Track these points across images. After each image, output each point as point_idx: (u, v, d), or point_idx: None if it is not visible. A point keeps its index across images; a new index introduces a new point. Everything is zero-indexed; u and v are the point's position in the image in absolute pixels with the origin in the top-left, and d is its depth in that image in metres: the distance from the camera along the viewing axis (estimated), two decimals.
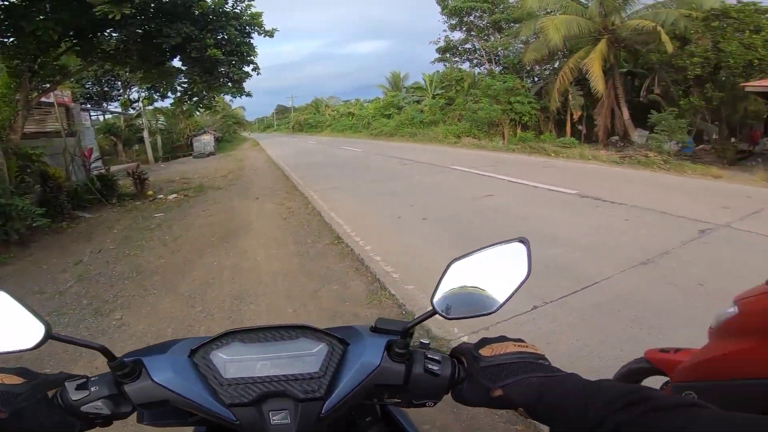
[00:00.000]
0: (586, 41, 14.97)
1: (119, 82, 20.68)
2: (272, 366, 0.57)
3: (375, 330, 0.62)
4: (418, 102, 26.45)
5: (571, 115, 16.74)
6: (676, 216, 4.95)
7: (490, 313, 0.59)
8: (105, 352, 0.54)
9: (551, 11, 15.93)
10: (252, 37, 8.09)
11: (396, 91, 30.80)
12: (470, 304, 0.60)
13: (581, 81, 15.51)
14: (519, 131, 17.33)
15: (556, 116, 17.40)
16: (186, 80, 8.36)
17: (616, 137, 15.24)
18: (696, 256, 3.77)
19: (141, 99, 18.86)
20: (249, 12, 7.81)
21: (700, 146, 13.01)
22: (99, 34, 7.12)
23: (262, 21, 7.94)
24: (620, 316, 2.80)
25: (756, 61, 10.85)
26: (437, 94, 24.79)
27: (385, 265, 4.01)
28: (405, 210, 6.14)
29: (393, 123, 25.18)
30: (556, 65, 18.15)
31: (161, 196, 9.04)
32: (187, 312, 3.38)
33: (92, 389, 0.55)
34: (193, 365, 0.57)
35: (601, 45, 14.05)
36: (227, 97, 10.78)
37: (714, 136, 13.51)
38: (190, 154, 22.44)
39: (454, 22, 22.56)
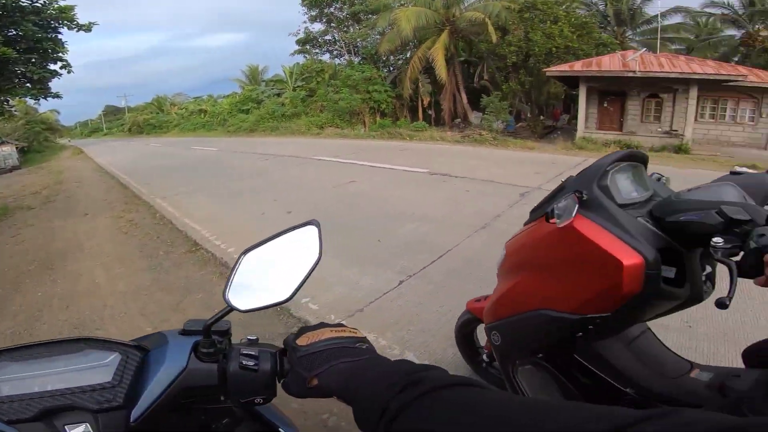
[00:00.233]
0: (432, 32, 16.26)
1: None
2: (58, 380, 0.53)
3: (184, 333, 0.60)
4: (278, 95, 25.47)
5: (422, 101, 18.30)
6: (504, 184, 5.91)
7: (285, 301, 0.59)
8: None
9: (404, 3, 16.96)
10: (60, 32, 6.94)
11: (254, 85, 29.12)
12: (264, 294, 0.59)
13: (429, 69, 16.94)
14: (378, 118, 18.23)
15: (410, 103, 18.81)
16: None
17: (459, 119, 17.27)
18: (520, 215, 4.53)
19: None
20: (54, 6, 6.56)
21: (519, 124, 15.64)
22: None
23: (73, 15, 6.80)
24: (471, 278, 3.12)
25: (554, 49, 13.29)
26: (298, 86, 24.28)
27: None
28: (268, 206, 5.92)
29: (252, 118, 23.78)
30: (408, 55, 19.46)
31: None
32: None
33: None
34: None
35: (444, 35, 15.49)
36: (30, 100, 8.94)
37: (528, 115, 16.35)
38: None
39: (314, 13, 22.46)
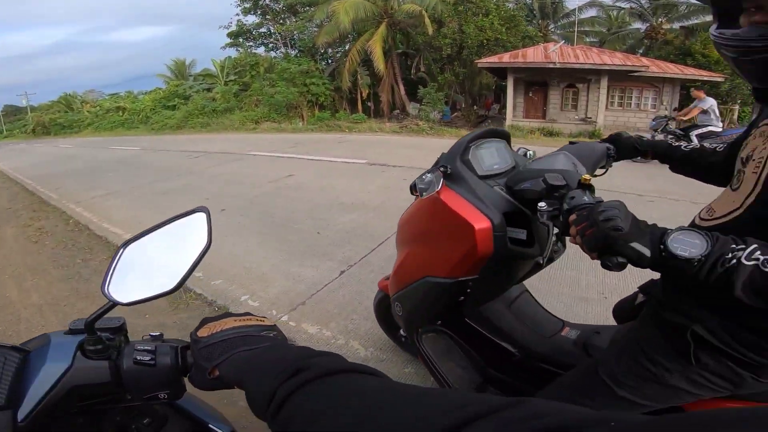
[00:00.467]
0: (370, 24, 16.25)
1: None
2: None
3: (70, 332, 0.58)
4: (208, 90, 23.95)
5: (361, 93, 18.27)
6: None
7: (171, 291, 0.57)
8: None
9: None
10: None
11: (181, 80, 27.12)
12: (149, 286, 0.57)
13: (367, 62, 16.94)
14: (317, 111, 17.91)
15: (348, 95, 18.68)
16: None
17: (397, 110, 17.51)
18: None
19: None
20: None
21: (455, 114, 16.22)
22: None
23: None
24: None
25: (486, 41, 13.85)
26: (230, 80, 23.07)
27: None
28: (199, 205, 5.60)
29: (179, 114, 22.11)
30: (346, 47, 19.28)
31: None
32: None
33: None
34: None
35: (382, 28, 15.52)
36: None
37: (463, 105, 16.99)
38: None
39: (248, 5, 21.38)
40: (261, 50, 23.66)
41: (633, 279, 2.37)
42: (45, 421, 0.53)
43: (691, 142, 6.25)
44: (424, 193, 1.08)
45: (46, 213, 6.24)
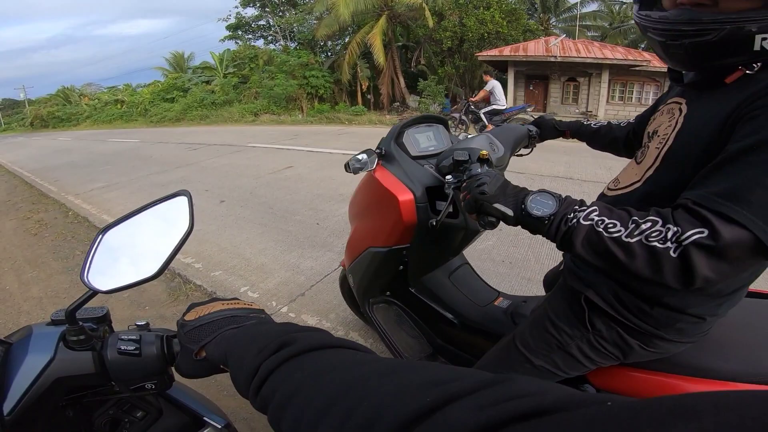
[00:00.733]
0: (370, 17, 16.18)
1: None
2: None
3: (52, 323, 0.57)
4: (207, 82, 23.85)
5: (361, 85, 18.20)
6: None
7: (153, 277, 0.56)
8: None
9: None
10: None
11: (180, 73, 26.98)
12: (129, 272, 0.56)
13: (367, 54, 16.89)
14: (316, 104, 17.85)
15: (348, 87, 18.62)
16: None
17: (397, 103, 17.44)
18: None
19: None
20: None
21: (455, 107, 16.16)
22: None
23: None
24: None
25: (486, 34, 13.81)
26: (229, 73, 22.95)
27: (183, 257, 3.59)
28: (199, 196, 5.59)
29: (178, 107, 22.04)
30: (346, 40, 19.16)
31: None
32: None
33: None
34: None
35: (382, 20, 15.44)
36: None
37: (463, 98, 16.92)
38: None
39: None
40: (260, 43, 23.65)
41: None
42: (32, 414, 0.52)
43: (481, 119, 8.11)
44: (358, 172, 1.22)
45: (45, 205, 6.24)
